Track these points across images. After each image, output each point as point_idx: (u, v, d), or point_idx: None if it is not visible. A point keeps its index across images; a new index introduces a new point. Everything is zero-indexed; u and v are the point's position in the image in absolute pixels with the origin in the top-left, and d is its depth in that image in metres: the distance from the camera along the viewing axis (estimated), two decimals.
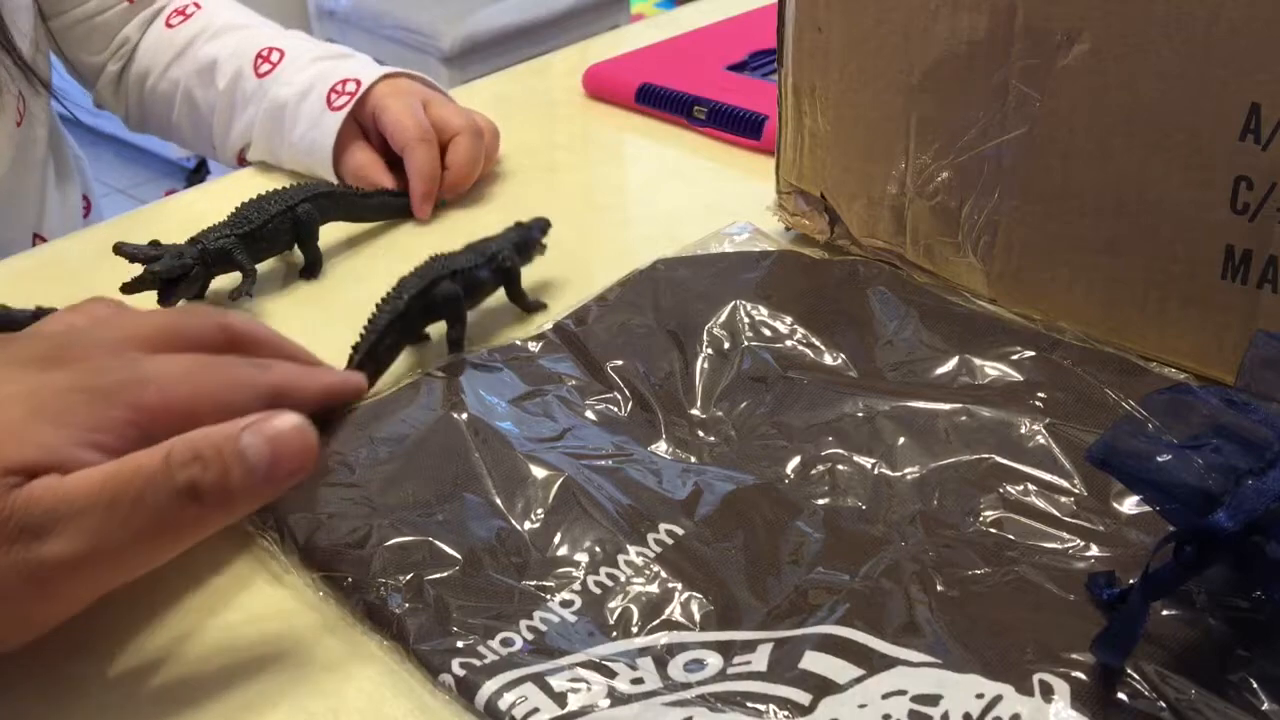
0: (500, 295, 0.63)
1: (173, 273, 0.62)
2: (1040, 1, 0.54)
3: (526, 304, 0.63)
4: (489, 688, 0.40)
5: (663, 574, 0.45)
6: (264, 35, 0.87)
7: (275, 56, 0.83)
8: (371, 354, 0.56)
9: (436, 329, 0.60)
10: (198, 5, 0.92)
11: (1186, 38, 0.50)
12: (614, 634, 0.43)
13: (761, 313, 0.59)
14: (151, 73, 0.92)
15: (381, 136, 0.78)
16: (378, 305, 0.57)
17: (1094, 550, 0.45)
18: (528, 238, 0.63)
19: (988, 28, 0.56)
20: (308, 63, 0.82)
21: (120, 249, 0.62)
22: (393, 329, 0.57)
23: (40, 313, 0.59)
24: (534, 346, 0.58)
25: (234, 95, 0.85)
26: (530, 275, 0.66)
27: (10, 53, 0.84)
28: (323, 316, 0.66)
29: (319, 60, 0.82)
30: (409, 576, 0.45)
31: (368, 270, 0.70)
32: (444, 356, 0.58)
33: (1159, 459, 0.38)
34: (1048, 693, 0.38)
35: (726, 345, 0.58)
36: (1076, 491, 0.47)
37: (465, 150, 0.76)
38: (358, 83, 0.79)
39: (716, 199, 0.77)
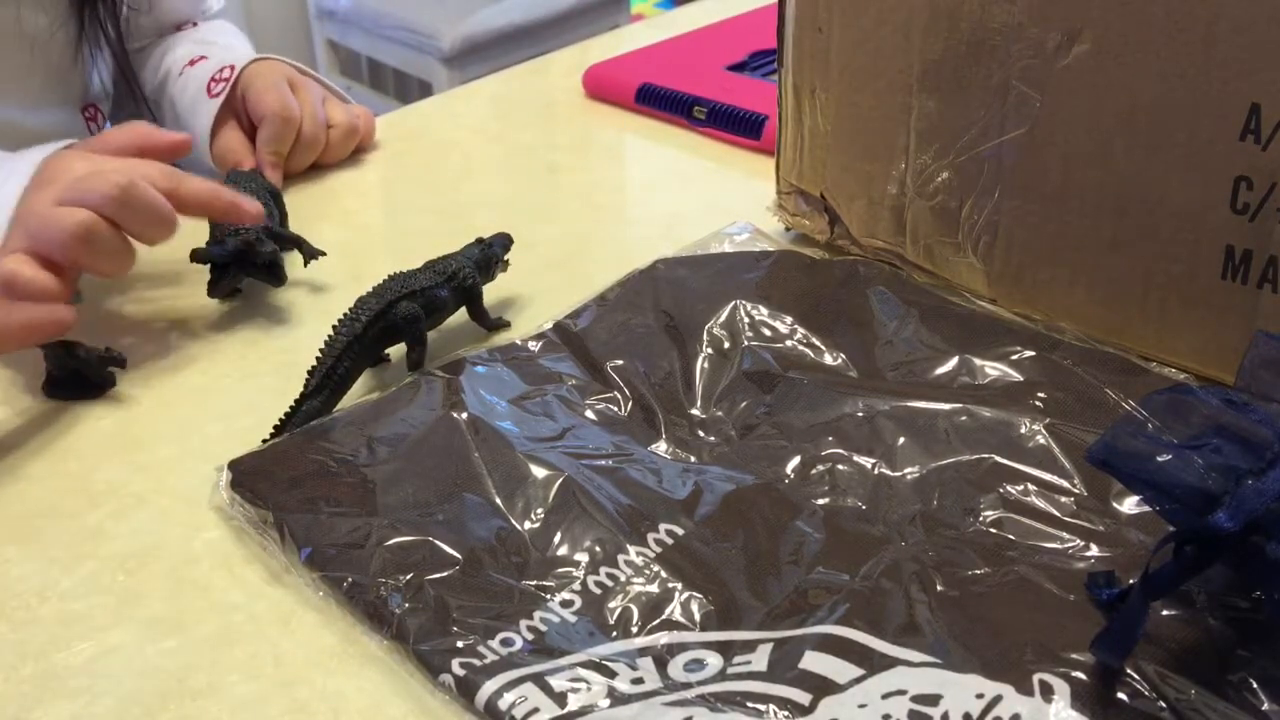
0: (462, 314, 0.61)
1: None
2: (1041, 2, 0.54)
3: (489, 323, 0.62)
4: (489, 688, 0.40)
5: (663, 574, 0.45)
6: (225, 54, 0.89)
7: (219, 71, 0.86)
8: (327, 379, 0.55)
9: (397, 350, 0.59)
10: (194, 24, 0.95)
11: (1186, 38, 0.50)
12: (614, 634, 0.43)
13: (761, 312, 0.59)
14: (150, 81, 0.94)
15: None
16: (334, 327, 0.56)
17: (1094, 550, 0.45)
18: (489, 255, 0.62)
19: (988, 28, 0.56)
20: (210, 64, 0.85)
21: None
22: (350, 352, 0.55)
23: (110, 353, 0.59)
24: (534, 346, 0.58)
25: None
26: (529, 276, 0.66)
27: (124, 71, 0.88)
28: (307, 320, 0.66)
29: (212, 59, 0.85)
30: (409, 576, 0.45)
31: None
32: (409, 376, 0.57)
33: (1159, 459, 0.38)
34: (1048, 693, 0.38)
35: (726, 345, 0.58)
36: (1076, 491, 0.47)
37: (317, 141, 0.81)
38: (232, 68, 0.82)
39: (716, 199, 0.77)
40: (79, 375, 0.59)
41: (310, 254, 0.68)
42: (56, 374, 0.59)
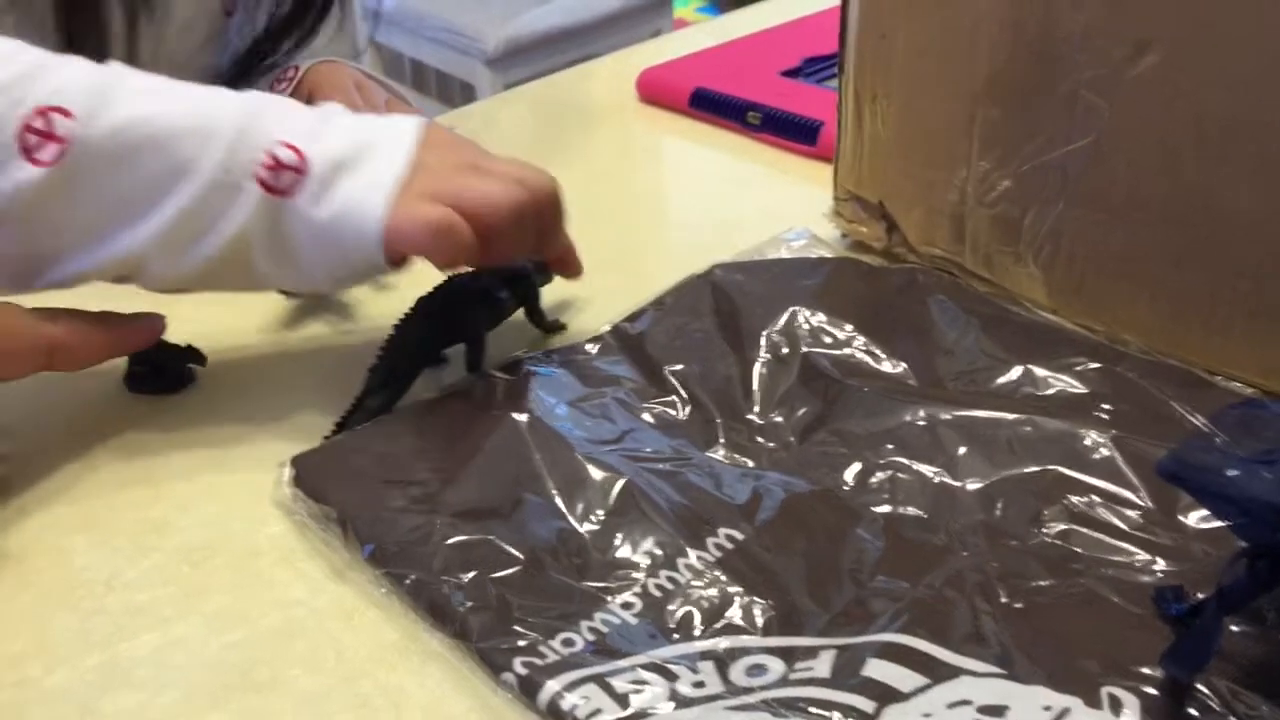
0: (517, 316, 0.61)
1: None
2: (1111, 12, 0.53)
3: (545, 324, 0.62)
4: (551, 687, 0.40)
5: (723, 578, 0.45)
6: None
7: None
8: (388, 378, 0.55)
9: (456, 350, 0.59)
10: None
11: (1257, 48, 0.49)
12: (675, 636, 0.43)
13: (820, 319, 0.59)
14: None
15: None
16: (395, 327, 0.56)
17: (1160, 564, 0.45)
18: (543, 260, 0.61)
19: (1054, 37, 0.55)
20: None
21: None
22: (409, 352, 0.56)
23: (191, 350, 0.60)
24: (592, 349, 0.58)
25: None
26: (584, 280, 0.66)
27: None
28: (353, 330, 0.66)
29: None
30: (471, 575, 0.45)
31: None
32: (465, 378, 0.57)
33: (1229, 473, 0.38)
34: (1116, 706, 0.38)
35: (785, 350, 0.57)
36: (1142, 505, 0.47)
37: None
38: (296, 69, 0.83)
39: (772, 205, 0.76)
40: (160, 370, 0.60)
41: None
42: (138, 369, 0.60)
